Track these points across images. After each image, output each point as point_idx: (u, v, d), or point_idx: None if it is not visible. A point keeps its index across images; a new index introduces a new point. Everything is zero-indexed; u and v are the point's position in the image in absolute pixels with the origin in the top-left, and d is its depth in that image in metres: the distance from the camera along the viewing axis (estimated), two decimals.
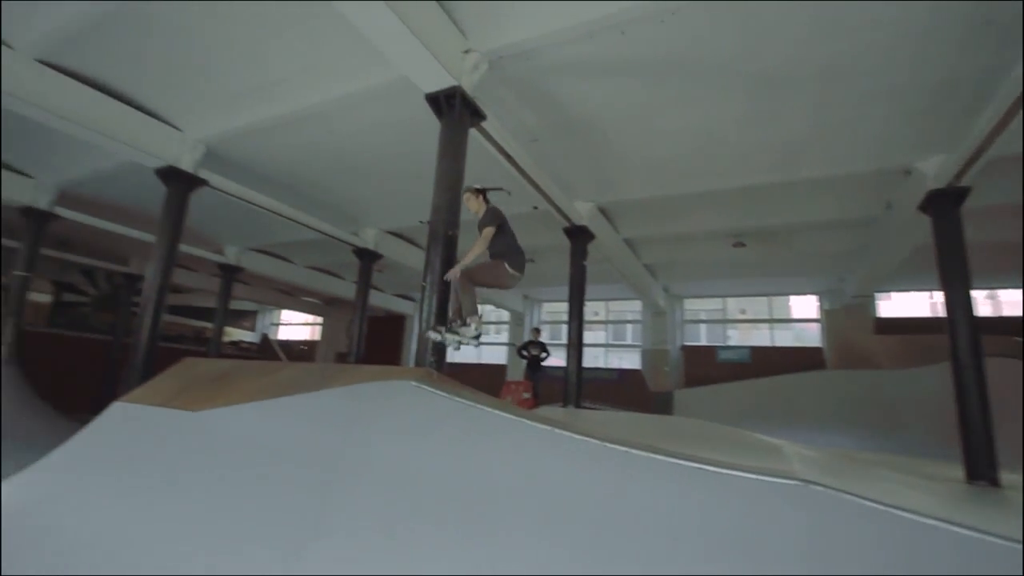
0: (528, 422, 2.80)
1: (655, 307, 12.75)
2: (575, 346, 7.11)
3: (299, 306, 17.71)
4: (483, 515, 2.46)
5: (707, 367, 12.59)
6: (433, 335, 3.77)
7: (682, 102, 5.25)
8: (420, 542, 2.42)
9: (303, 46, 4.76)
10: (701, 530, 2.13)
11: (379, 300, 14.58)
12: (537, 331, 9.54)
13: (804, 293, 12.79)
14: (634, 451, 2.49)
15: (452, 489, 2.59)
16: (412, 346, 15.40)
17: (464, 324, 3.68)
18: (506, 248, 3.73)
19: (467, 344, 3.73)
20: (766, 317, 13.43)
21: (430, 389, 3.16)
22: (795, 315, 13.48)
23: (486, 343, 16.53)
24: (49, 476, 3.14)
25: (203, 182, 6.67)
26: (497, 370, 14.66)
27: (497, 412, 2.90)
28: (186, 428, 3.32)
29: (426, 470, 2.72)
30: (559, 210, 7.02)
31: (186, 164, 6.48)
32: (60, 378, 11.56)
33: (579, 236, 7.51)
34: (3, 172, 7.92)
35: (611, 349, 15.02)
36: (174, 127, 6.36)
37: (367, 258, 9.65)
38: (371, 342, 16.71)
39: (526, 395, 8.01)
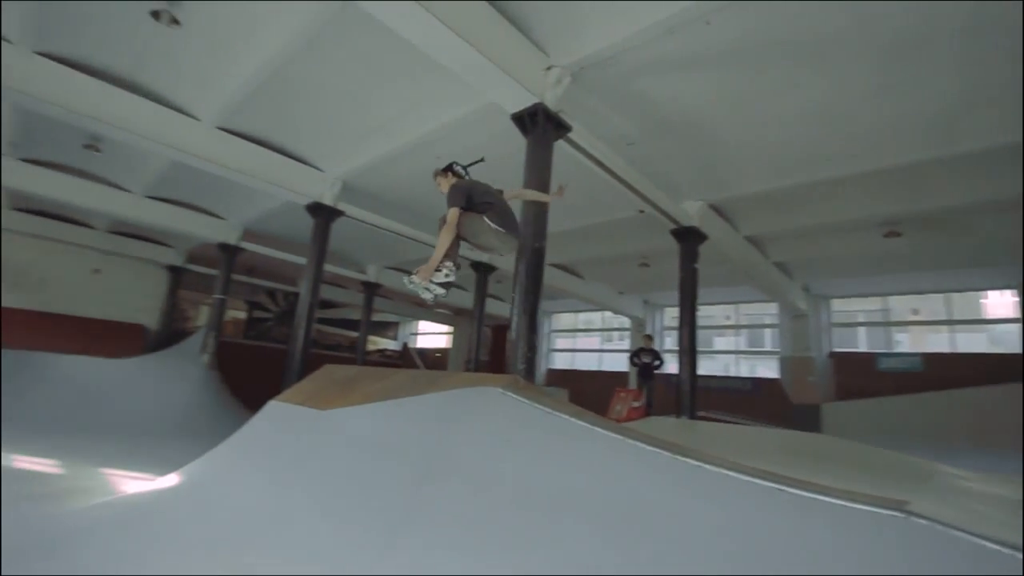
0: (601, 430, 2.82)
1: (794, 309, 11.43)
2: (687, 352, 6.74)
3: (432, 317, 19.28)
4: (554, 518, 2.53)
5: (864, 377, 10.89)
6: (405, 281, 3.51)
7: (792, 84, 4.76)
8: (494, 540, 2.57)
9: (407, 87, 5.33)
10: (773, 554, 1.97)
11: (501, 309, 15.25)
12: (649, 338, 9.19)
13: (995, 287, 10.42)
14: (706, 466, 2.38)
15: (528, 491, 2.70)
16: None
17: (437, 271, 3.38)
18: (487, 205, 3.31)
19: (436, 291, 3.44)
20: (945, 318, 11.21)
21: (514, 396, 3.33)
22: (986, 315, 11.04)
23: (608, 350, 16.30)
24: (219, 460, 3.95)
25: (340, 213, 7.74)
26: (618, 378, 14.35)
27: (573, 420, 2.96)
28: (316, 424, 3.93)
29: (506, 472, 2.88)
30: (663, 212, 6.76)
31: (327, 199, 7.59)
32: (251, 380, 14.13)
33: (688, 238, 7.13)
34: (203, 217, 10.03)
35: (745, 356, 13.78)
36: (317, 168, 7.51)
37: (483, 271, 10.24)
38: (497, 349, 17.53)
39: (636, 404, 7.77)
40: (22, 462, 4.95)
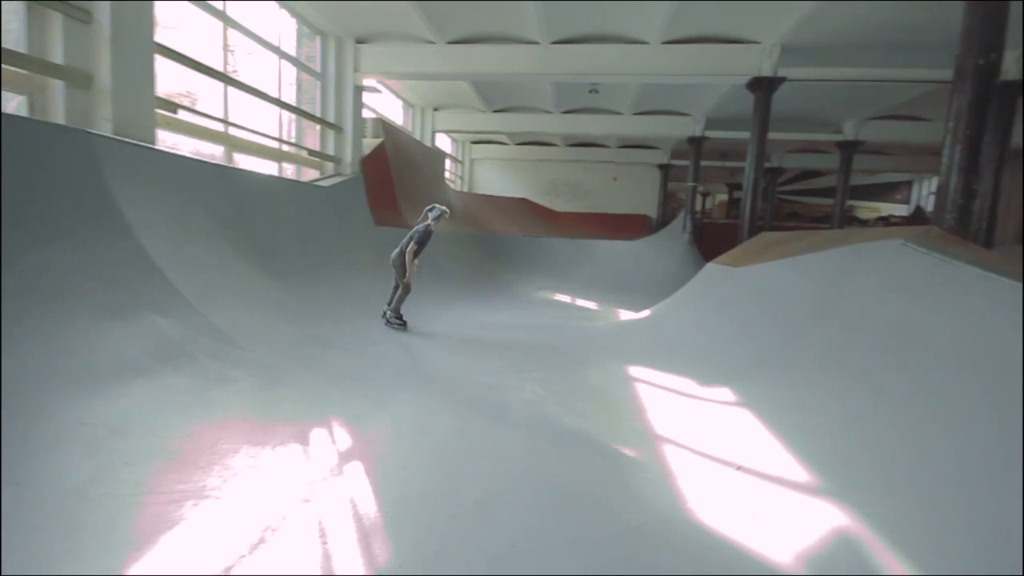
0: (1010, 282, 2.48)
1: None
2: None
3: None
4: (911, 356, 2.59)
5: None
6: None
7: None
8: (849, 369, 2.91)
9: None
10: None
11: None
12: None
13: None
14: None
15: (895, 333, 2.81)
16: None
17: None
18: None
19: None
20: None
21: (915, 248, 3.23)
22: None
23: None
24: (670, 304, 5.55)
25: (780, 81, 7.54)
26: None
27: (975, 269, 2.70)
28: (728, 279, 4.87)
29: (879, 318, 3.02)
30: None
31: (766, 70, 7.55)
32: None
33: None
34: (674, 118, 11.76)
35: None
36: (752, 42, 7.52)
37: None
38: None
39: None
40: (583, 303, 8.35)
